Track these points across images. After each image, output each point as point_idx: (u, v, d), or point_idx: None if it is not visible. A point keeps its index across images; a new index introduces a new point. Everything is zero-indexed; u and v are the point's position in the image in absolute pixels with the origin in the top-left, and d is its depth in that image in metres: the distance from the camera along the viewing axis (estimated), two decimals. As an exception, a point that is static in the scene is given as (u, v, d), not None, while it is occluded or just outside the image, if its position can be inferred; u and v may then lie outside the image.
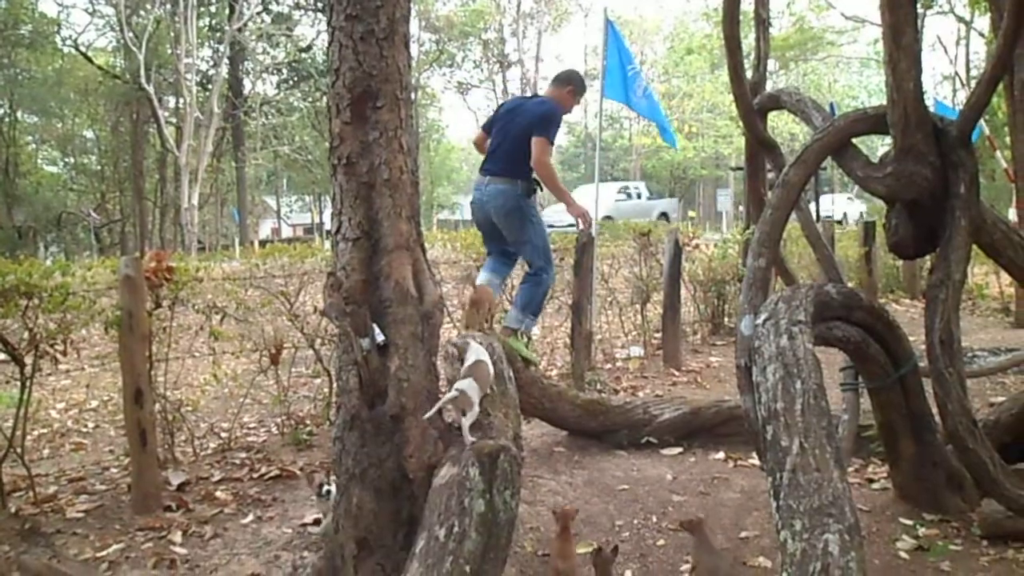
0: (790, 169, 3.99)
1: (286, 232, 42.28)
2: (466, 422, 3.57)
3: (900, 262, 12.97)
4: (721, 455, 5.85)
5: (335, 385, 3.78)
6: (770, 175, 6.24)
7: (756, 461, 5.72)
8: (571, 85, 6.20)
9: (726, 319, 10.45)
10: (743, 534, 4.57)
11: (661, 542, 4.50)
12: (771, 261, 3.94)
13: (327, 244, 12.17)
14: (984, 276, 11.67)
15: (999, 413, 4.94)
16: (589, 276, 7.39)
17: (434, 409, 3.60)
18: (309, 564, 3.76)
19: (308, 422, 6.32)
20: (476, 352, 3.92)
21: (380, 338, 3.52)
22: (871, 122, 4.09)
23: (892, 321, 4.36)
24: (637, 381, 8.12)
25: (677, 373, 8.45)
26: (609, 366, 8.67)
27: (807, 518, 2.81)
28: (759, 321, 3.57)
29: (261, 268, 6.32)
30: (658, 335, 9.35)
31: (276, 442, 6.07)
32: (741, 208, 46.45)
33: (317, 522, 4.57)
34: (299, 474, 5.37)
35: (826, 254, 4.97)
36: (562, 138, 57.92)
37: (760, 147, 5.03)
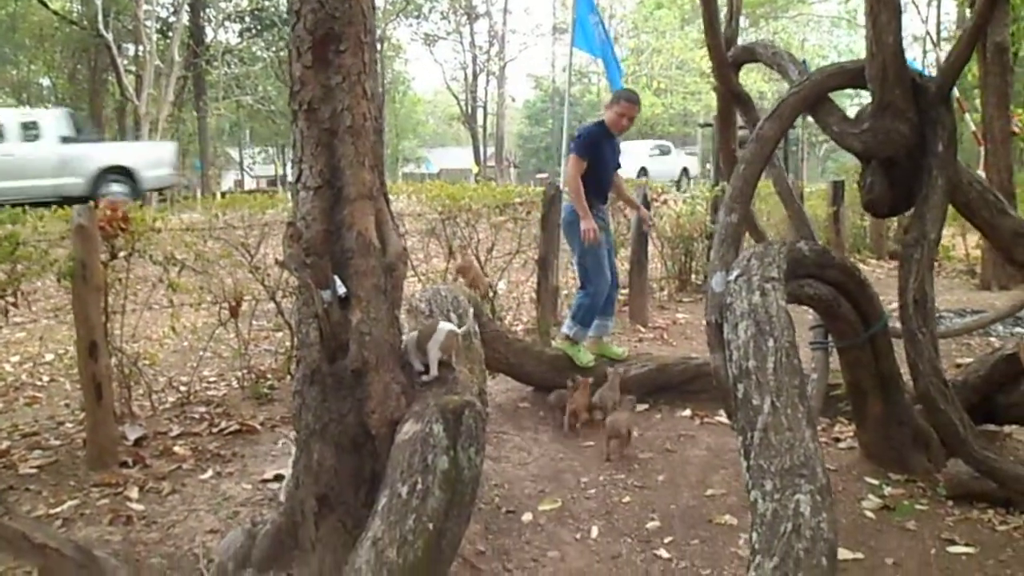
0: (764, 123, 3.89)
1: (249, 184, 41.56)
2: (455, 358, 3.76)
3: (867, 221, 13.01)
4: (688, 412, 5.83)
5: (296, 338, 3.66)
6: (741, 131, 6.16)
7: (723, 419, 5.70)
8: (610, 103, 6.40)
9: (693, 276, 10.41)
10: (709, 492, 4.55)
11: (627, 499, 4.46)
12: (743, 217, 3.85)
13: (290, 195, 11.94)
14: (951, 238, 11.70)
15: (967, 374, 4.95)
16: (556, 231, 7.26)
17: (433, 371, 3.68)
18: (269, 521, 3.66)
19: (269, 376, 6.20)
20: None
21: (341, 290, 3.40)
22: (848, 76, 4.00)
23: (864, 280, 4.32)
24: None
25: (643, 329, 8.41)
26: (575, 322, 8.59)
27: (778, 478, 2.75)
28: (731, 277, 3.49)
29: (221, 219, 6.13)
30: (624, 291, 9.29)
31: (236, 396, 5.95)
32: (708, 165, 46.48)
33: (278, 478, 4.47)
34: (259, 428, 5.27)
35: (797, 210, 4.90)
36: (529, 92, 57.48)
37: (733, 101, 4.92)
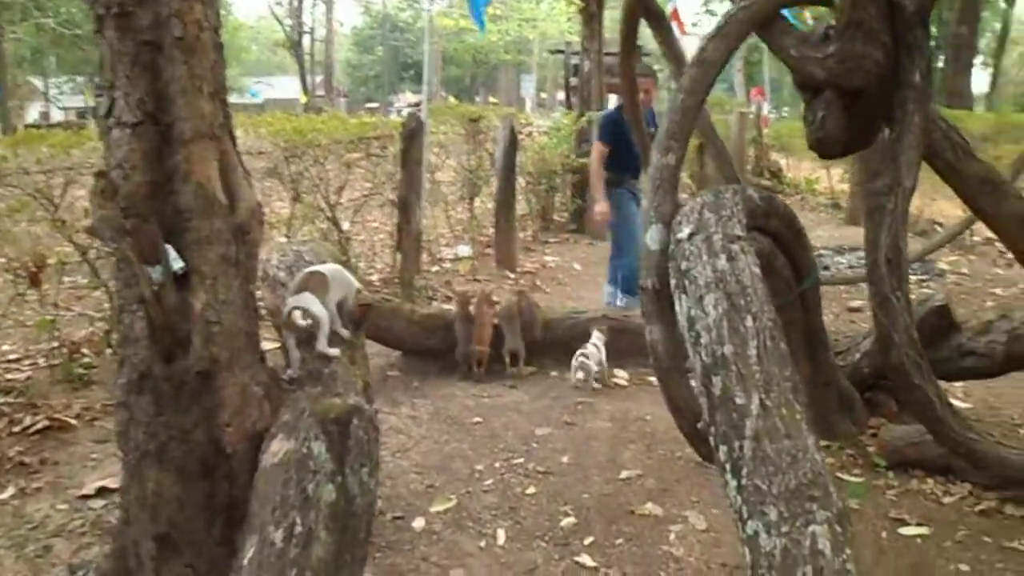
0: (708, 44, 3.17)
1: (57, 116, 38.15)
2: (321, 342, 3.01)
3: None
4: (581, 375, 5.19)
5: (117, 332, 2.71)
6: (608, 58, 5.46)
7: (620, 381, 5.17)
8: None
9: (555, 215, 9.80)
10: (623, 474, 3.97)
11: (532, 490, 3.81)
12: (681, 158, 3.15)
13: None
14: (812, 171, 11.49)
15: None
16: (418, 168, 6.43)
17: (295, 364, 3.00)
18: (92, 566, 2.79)
19: (85, 351, 5.11)
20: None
21: (177, 265, 2.51)
22: (810, -10, 3.32)
23: (801, 228, 3.74)
24: (469, 285, 7.30)
25: (512, 275, 7.74)
26: (436, 269, 7.81)
27: (783, 503, 2.11)
28: (682, 235, 2.80)
29: (11, 161, 4.92)
30: (487, 232, 8.58)
31: (44, 380, 4.80)
32: (544, 95, 45.84)
33: (102, 492, 3.55)
34: (75, 423, 4.26)
35: (720, 149, 4.26)
36: (357, 18, 55.29)
37: (644, 16, 4.18)
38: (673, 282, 2.78)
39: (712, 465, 3.95)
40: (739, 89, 30.23)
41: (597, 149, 6.31)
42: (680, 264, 2.73)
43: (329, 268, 3.24)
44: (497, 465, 4.03)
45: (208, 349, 2.51)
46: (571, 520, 3.54)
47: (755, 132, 12.91)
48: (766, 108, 14.81)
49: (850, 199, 10.37)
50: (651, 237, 3.07)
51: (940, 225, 10.15)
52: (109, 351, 5.12)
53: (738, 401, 2.33)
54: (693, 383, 2.71)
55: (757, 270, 2.62)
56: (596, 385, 5.03)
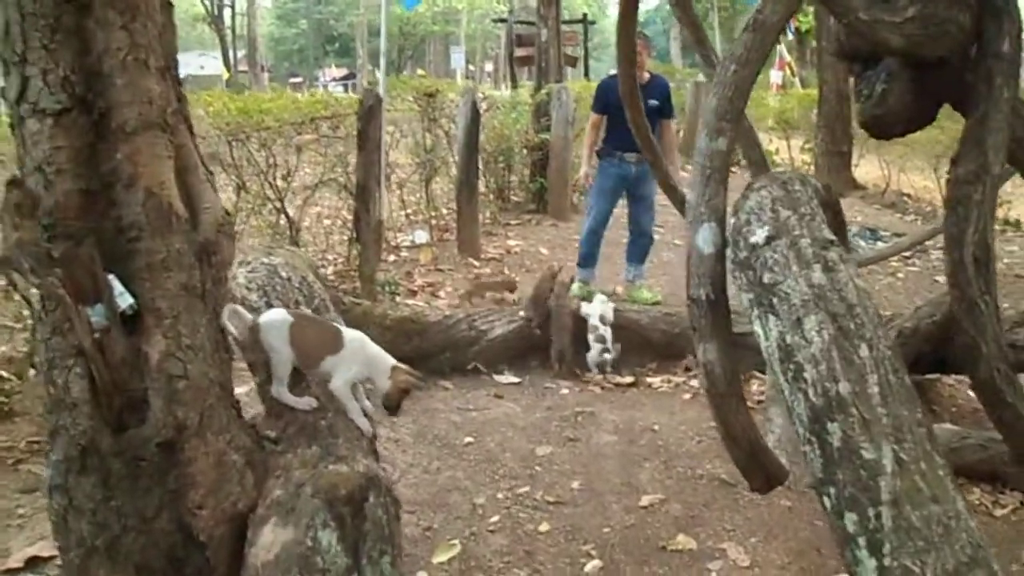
0: (766, 5, 2.62)
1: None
2: (276, 386, 2.40)
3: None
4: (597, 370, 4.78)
5: (47, 395, 2.05)
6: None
7: (620, 382, 4.67)
8: None
9: (512, 194, 9.22)
10: (644, 500, 3.48)
11: (544, 526, 3.28)
12: (733, 142, 2.60)
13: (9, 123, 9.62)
14: (769, 142, 11.02)
15: (917, 320, 4.18)
16: (377, 151, 5.78)
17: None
18: None
19: (4, 372, 4.40)
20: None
21: (126, 302, 1.89)
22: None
23: (844, 218, 3.25)
24: (432, 276, 6.72)
25: (477, 263, 7.15)
26: (394, 259, 7.17)
27: None
28: (757, 239, 2.24)
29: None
30: (438, 215, 7.98)
31: None
32: (472, 67, 44.91)
33: (31, 563, 2.90)
34: (-7, 470, 3.58)
35: (747, 129, 3.72)
36: (281, -9, 53.74)
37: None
38: (749, 297, 2.23)
39: (742, 489, 3.52)
40: (676, 59, 29.61)
41: (590, 118, 6.33)
42: (761, 276, 2.17)
43: (351, 335, 2.55)
44: (500, 496, 3.49)
45: (171, 412, 1.90)
46: (596, 563, 3.04)
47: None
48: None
49: (816, 171, 9.97)
50: (703, 238, 2.50)
51: (908, 196, 9.87)
52: (32, 372, 4.42)
53: (866, 455, 1.80)
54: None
55: (862, 283, 2.09)
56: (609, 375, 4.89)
